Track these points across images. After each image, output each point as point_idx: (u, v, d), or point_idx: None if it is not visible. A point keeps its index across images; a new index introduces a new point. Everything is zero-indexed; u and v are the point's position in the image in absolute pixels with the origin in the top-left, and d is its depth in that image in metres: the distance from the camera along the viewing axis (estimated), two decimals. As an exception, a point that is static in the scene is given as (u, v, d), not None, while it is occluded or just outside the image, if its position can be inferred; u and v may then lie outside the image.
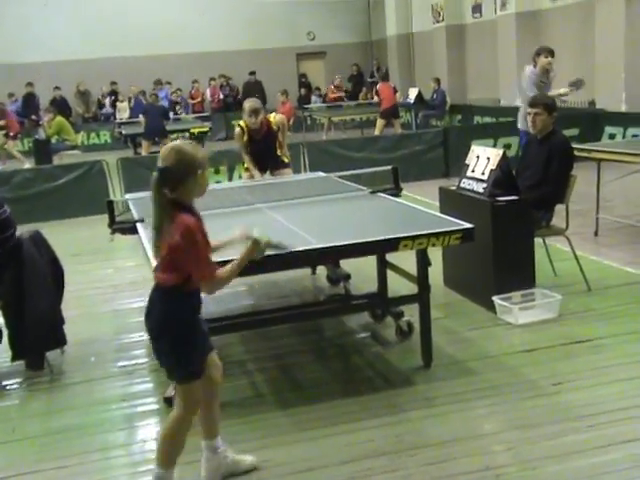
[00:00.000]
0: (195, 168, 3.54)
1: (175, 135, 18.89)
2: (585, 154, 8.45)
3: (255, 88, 25.20)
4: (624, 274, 7.08)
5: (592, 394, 4.69)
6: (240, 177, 12.41)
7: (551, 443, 4.14)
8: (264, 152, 8.12)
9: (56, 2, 25.14)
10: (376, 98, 18.94)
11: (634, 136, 12.73)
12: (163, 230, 3.52)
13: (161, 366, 3.80)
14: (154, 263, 3.69)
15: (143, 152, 15.74)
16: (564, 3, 16.72)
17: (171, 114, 20.46)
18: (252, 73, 25.59)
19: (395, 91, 18.43)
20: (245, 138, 8.08)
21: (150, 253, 3.67)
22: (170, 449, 3.75)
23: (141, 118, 16.70)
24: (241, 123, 8.12)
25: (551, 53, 9.80)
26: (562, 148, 6.64)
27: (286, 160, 8.40)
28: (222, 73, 25.92)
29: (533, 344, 5.57)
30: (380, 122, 18.02)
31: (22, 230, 5.72)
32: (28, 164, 16.83)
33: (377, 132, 17.63)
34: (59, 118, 17.67)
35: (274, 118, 8.19)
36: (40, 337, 5.51)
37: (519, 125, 10.11)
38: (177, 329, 3.63)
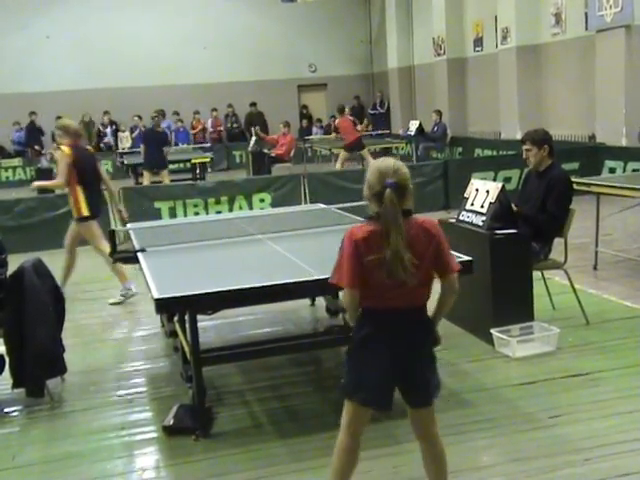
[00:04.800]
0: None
1: (176, 165, 19.07)
2: (584, 188, 8.51)
3: (257, 119, 25.37)
4: (623, 308, 7.11)
5: (589, 427, 4.71)
6: (241, 208, 12.55)
7: (547, 476, 4.16)
8: None
9: (58, 34, 25.33)
10: (334, 134, 18.85)
11: (634, 170, 12.78)
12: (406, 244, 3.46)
13: (428, 403, 3.68)
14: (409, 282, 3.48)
15: (145, 182, 15.78)
16: (564, 37, 16.88)
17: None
18: (253, 104, 25.78)
19: (355, 124, 18.34)
20: None
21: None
22: None
23: (141, 147, 16.66)
24: None
25: None
26: (560, 181, 6.68)
27: None
28: (229, 103, 26.10)
29: (530, 377, 5.58)
30: (343, 154, 17.88)
31: (24, 258, 5.76)
32: None
33: (338, 165, 17.54)
34: None
35: None
36: (40, 365, 5.52)
37: None
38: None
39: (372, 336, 3.56)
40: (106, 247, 8.39)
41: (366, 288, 3.52)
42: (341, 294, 3.59)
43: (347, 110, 19.33)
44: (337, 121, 18.62)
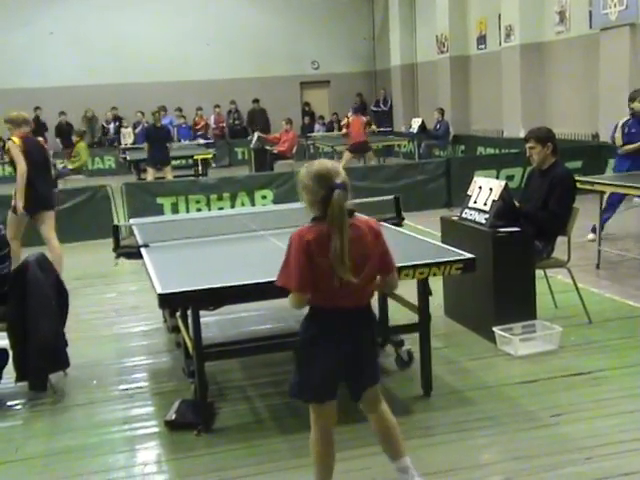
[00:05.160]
0: None
1: (178, 162, 19.08)
2: (588, 186, 8.51)
3: (259, 116, 25.36)
4: (625, 307, 7.11)
5: (591, 426, 4.72)
6: (243, 204, 12.56)
7: (549, 475, 4.16)
8: None
9: (61, 31, 25.36)
10: (344, 130, 18.61)
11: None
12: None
13: (375, 382, 3.88)
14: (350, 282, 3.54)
15: (149, 178, 15.79)
16: (568, 35, 16.85)
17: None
18: (256, 101, 25.76)
19: (365, 127, 18.18)
20: None
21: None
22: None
23: (144, 144, 16.62)
24: None
25: None
26: (563, 179, 6.67)
27: None
28: (232, 99, 26.14)
29: (533, 375, 5.59)
30: (347, 155, 17.78)
31: (27, 253, 5.77)
32: None
33: (342, 163, 17.46)
34: (82, 143, 17.90)
35: None
36: (43, 359, 5.53)
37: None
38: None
39: (322, 335, 3.68)
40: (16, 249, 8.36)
41: (316, 289, 3.59)
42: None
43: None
44: (350, 118, 18.50)
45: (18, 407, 5.62)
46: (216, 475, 4.41)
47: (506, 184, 6.42)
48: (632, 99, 9.98)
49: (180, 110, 25.07)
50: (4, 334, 5.63)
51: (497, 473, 4.25)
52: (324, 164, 3.62)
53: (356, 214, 3.66)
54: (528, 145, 6.81)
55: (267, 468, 4.43)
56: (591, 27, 15.52)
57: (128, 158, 18.79)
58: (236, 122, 26.31)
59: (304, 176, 3.60)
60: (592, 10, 15.19)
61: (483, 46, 20.86)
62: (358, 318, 3.71)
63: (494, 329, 6.13)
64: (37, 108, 24.25)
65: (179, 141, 22.77)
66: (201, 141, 22.85)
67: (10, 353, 5.67)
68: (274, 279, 3.76)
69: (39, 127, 24.34)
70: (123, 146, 22.46)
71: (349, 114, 18.48)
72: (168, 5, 25.99)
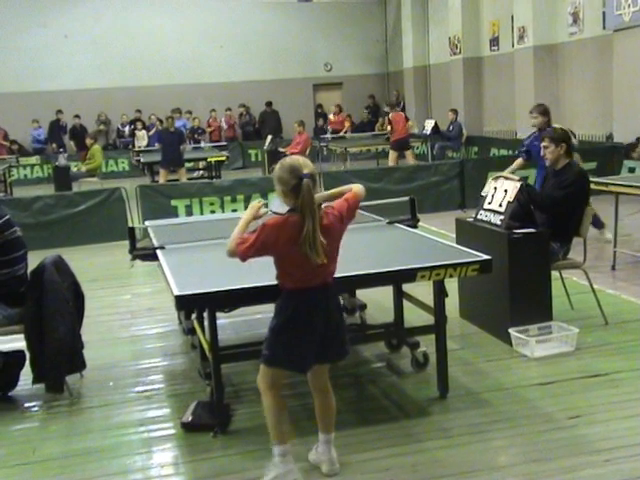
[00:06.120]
0: None
1: (192, 164, 19.11)
2: (603, 187, 8.48)
3: (272, 118, 25.38)
4: (641, 309, 7.08)
5: (609, 428, 4.69)
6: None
7: (567, 477, 4.15)
8: None
9: (76, 34, 25.42)
10: (389, 128, 18.45)
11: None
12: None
13: (344, 356, 4.36)
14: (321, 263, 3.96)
15: (161, 180, 15.85)
16: (582, 37, 16.81)
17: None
18: (269, 104, 25.76)
19: (406, 120, 18.12)
20: None
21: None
22: None
23: (157, 146, 16.59)
24: None
25: None
26: (577, 177, 6.69)
27: None
28: (242, 103, 26.16)
29: (549, 377, 5.57)
30: (393, 154, 17.73)
31: (42, 255, 5.79)
32: None
33: (391, 163, 17.49)
34: (97, 146, 17.98)
35: None
36: (60, 361, 5.54)
37: None
38: None
39: (301, 314, 4.09)
40: None
41: (290, 271, 4.06)
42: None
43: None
44: (391, 115, 18.32)
45: (35, 409, 5.64)
46: (232, 477, 4.42)
47: (521, 185, 6.40)
48: (530, 113, 9.81)
49: (190, 113, 25.03)
50: (21, 336, 5.65)
51: (515, 475, 4.23)
52: (295, 158, 4.05)
53: (323, 206, 4.10)
54: (542, 144, 6.87)
55: (284, 470, 4.42)
56: (604, 28, 15.50)
57: (142, 160, 18.82)
58: (248, 125, 26.27)
59: (278, 169, 3.99)
60: (605, 11, 15.17)
61: (496, 47, 20.84)
62: (330, 292, 4.16)
63: (510, 330, 6.12)
64: (59, 112, 24.37)
65: (190, 143, 22.78)
66: (202, 144, 22.90)
67: (27, 355, 5.68)
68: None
69: (58, 130, 24.48)
70: (137, 149, 22.52)
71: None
72: (182, 8, 26.05)
